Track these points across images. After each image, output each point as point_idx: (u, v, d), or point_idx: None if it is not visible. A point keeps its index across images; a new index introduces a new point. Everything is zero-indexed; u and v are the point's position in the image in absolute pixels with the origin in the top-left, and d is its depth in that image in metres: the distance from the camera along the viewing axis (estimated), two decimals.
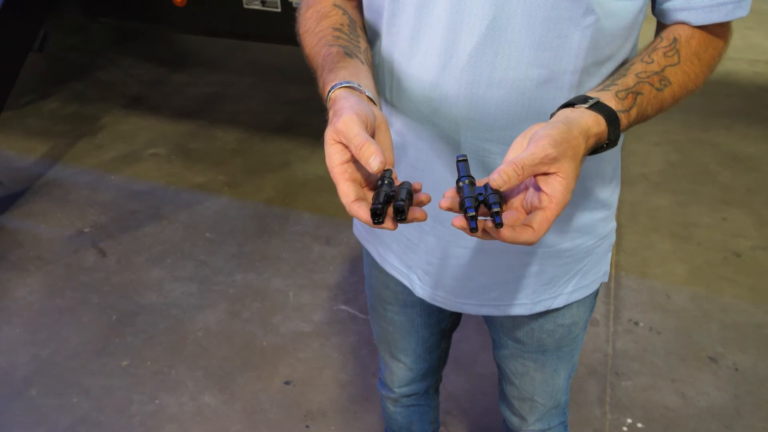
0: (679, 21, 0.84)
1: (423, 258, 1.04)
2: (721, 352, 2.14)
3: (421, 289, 1.08)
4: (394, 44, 0.88)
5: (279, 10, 2.66)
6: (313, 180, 3.04)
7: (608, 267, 1.11)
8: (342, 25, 0.88)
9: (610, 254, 1.10)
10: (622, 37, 0.84)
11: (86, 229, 2.73)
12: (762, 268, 2.49)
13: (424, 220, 0.68)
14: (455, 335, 1.37)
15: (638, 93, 0.77)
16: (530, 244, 0.67)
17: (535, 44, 0.80)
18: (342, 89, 0.75)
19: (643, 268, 2.49)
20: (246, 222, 2.76)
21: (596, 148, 0.74)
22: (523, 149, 0.68)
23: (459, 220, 0.66)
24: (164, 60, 4.27)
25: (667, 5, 0.83)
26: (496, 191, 0.66)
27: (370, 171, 0.66)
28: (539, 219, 0.66)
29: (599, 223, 1.02)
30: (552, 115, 0.74)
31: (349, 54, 0.83)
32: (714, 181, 3.03)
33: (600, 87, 0.78)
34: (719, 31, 0.84)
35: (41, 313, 2.31)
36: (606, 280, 1.11)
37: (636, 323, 2.25)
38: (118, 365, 2.12)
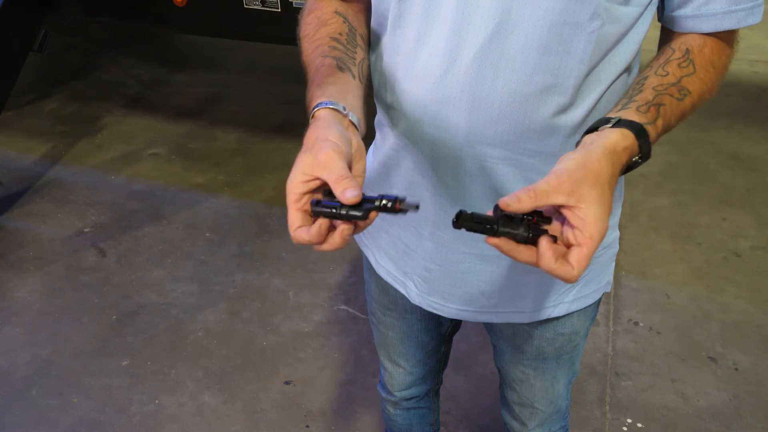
0: (689, 29, 0.82)
1: (420, 264, 1.03)
2: (721, 352, 2.14)
3: (417, 296, 1.07)
4: (398, 46, 0.88)
5: (279, 10, 2.66)
6: None
7: (611, 277, 1.09)
8: (340, 34, 0.87)
9: (612, 264, 1.08)
10: (627, 43, 0.83)
11: (86, 229, 2.73)
12: (762, 268, 2.49)
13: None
14: (455, 335, 1.37)
15: (660, 104, 0.77)
16: (569, 281, 0.66)
17: (540, 49, 0.79)
18: (327, 110, 0.75)
19: (643, 268, 2.49)
20: (246, 222, 2.76)
21: (630, 165, 0.73)
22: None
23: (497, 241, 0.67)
24: (164, 60, 4.27)
25: (677, 12, 0.82)
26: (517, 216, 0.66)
27: (344, 202, 0.66)
28: (576, 256, 0.65)
29: None
30: (577, 144, 0.74)
31: (341, 67, 0.82)
32: (714, 181, 3.02)
33: (619, 107, 0.77)
34: (729, 37, 0.84)
35: (41, 313, 2.31)
36: (608, 290, 1.09)
37: (636, 323, 2.25)
38: (118, 365, 2.12)
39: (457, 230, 0.67)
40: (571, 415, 1.39)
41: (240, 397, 2.01)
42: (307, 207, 0.70)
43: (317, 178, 0.69)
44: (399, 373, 1.32)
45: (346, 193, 0.66)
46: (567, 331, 1.09)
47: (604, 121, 0.74)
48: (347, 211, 0.67)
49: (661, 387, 2.02)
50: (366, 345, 2.17)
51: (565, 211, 0.66)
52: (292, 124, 3.50)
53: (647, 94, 0.77)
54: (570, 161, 0.67)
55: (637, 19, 0.82)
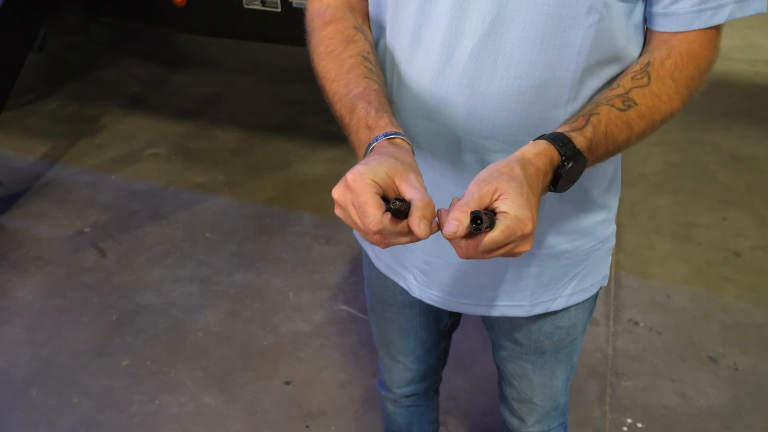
0: (660, 27, 0.83)
1: (420, 257, 1.04)
2: (721, 352, 2.14)
3: (417, 289, 1.08)
4: (396, 41, 0.88)
5: (279, 10, 2.66)
6: (313, 180, 3.04)
7: (608, 271, 1.10)
8: (369, 54, 0.86)
9: (609, 258, 1.09)
10: (626, 38, 0.83)
11: (86, 229, 2.73)
12: (762, 268, 2.49)
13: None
14: (455, 335, 1.37)
15: (592, 114, 0.77)
16: (475, 252, 0.67)
17: (538, 43, 0.80)
18: (406, 143, 0.76)
19: (643, 268, 2.49)
20: (246, 222, 2.76)
21: (558, 168, 0.74)
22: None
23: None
24: (164, 60, 4.27)
25: (650, 9, 0.83)
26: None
27: (417, 232, 0.65)
28: (482, 236, 0.67)
29: (599, 225, 1.02)
30: None
31: (388, 98, 0.83)
32: (714, 181, 3.02)
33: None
34: (701, 46, 0.82)
35: (41, 313, 2.31)
36: (605, 284, 1.10)
37: (636, 323, 2.25)
38: (118, 365, 2.12)
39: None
40: (571, 415, 1.40)
41: (240, 397, 2.01)
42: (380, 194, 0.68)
43: (393, 185, 0.68)
44: (398, 369, 1.33)
45: (422, 225, 0.65)
46: (565, 325, 1.10)
47: None
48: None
49: (661, 387, 2.02)
50: (366, 345, 2.17)
51: (494, 206, 0.69)
52: (292, 124, 3.50)
53: (584, 109, 0.79)
54: (481, 172, 0.70)
55: (636, 14, 0.82)
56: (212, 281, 2.45)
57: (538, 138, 0.76)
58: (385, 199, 0.67)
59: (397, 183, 0.67)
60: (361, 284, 2.40)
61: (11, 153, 3.26)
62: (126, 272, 2.49)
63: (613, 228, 1.06)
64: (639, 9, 0.83)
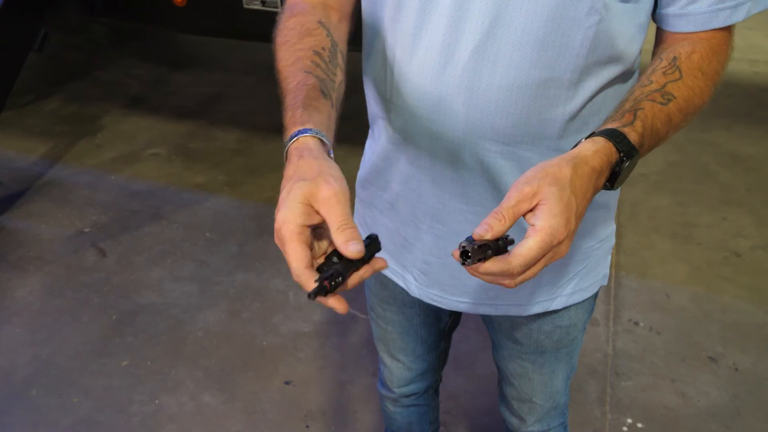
0: (676, 28, 0.83)
1: (419, 257, 1.04)
2: (721, 352, 2.14)
3: (417, 288, 1.08)
4: (396, 40, 0.88)
5: (279, 10, 2.66)
6: None
7: (608, 270, 1.10)
8: (323, 49, 0.82)
9: (609, 257, 1.10)
10: (625, 39, 0.83)
11: (86, 229, 2.73)
12: (762, 268, 2.49)
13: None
14: (455, 335, 1.37)
15: (637, 109, 0.76)
16: (508, 274, 0.65)
17: (538, 43, 0.80)
18: (317, 140, 0.70)
19: (643, 268, 2.49)
20: (246, 222, 2.76)
21: (615, 166, 0.73)
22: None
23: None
24: (164, 60, 4.27)
25: (665, 10, 0.83)
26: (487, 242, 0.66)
27: (345, 253, 0.63)
28: (517, 249, 0.65)
29: (598, 225, 1.02)
30: None
31: (324, 93, 0.77)
32: (714, 181, 3.02)
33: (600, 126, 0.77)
34: (721, 41, 0.83)
35: (41, 313, 2.31)
36: (605, 283, 1.11)
37: (636, 323, 2.25)
38: (118, 365, 2.12)
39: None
40: (571, 415, 1.40)
41: (240, 397, 2.01)
42: (309, 242, 0.65)
43: (318, 213, 0.64)
44: (398, 368, 1.33)
45: (350, 246, 0.62)
46: (565, 324, 1.10)
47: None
48: (345, 271, 0.64)
49: (661, 387, 2.02)
50: (366, 345, 2.17)
51: (527, 217, 0.66)
52: None
53: (625, 106, 0.77)
54: (528, 171, 0.68)
55: (640, 16, 0.82)
56: (212, 281, 2.45)
57: (594, 135, 0.73)
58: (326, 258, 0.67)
59: (315, 207, 0.63)
60: (361, 284, 2.39)
61: (11, 153, 3.26)
62: (126, 272, 2.49)
63: (612, 227, 1.07)
64: (643, 9, 0.82)
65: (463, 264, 0.66)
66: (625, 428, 1.90)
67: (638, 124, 0.74)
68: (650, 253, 2.57)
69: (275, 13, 3.17)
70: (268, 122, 3.52)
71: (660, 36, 0.87)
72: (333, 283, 0.64)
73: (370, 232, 0.68)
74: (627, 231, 2.68)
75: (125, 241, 2.65)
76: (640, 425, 1.91)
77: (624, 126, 0.73)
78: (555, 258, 0.68)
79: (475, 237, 0.64)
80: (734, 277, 2.45)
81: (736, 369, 2.08)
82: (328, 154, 0.70)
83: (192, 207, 2.86)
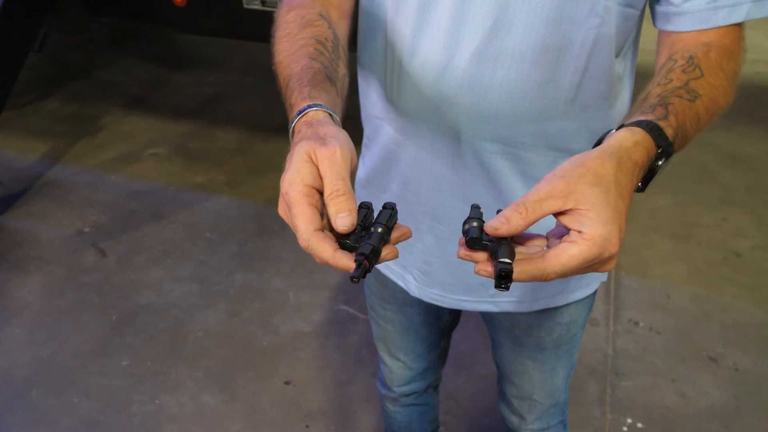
0: (674, 27, 0.81)
1: (420, 257, 1.04)
2: (721, 352, 2.14)
3: (417, 288, 1.08)
4: (396, 41, 0.88)
5: None
6: None
7: None
8: (326, 39, 0.78)
9: None
10: (623, 39, 0.84)
11: (86, 229, 2.73)
12: (762, 268, 2.49)
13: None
14: (455, 336, 1.37)
15: (668, 104, 0.67)
16: (540, 279, 0.56)
17: (538, 45, 0.80)
18: (326, 114, 0.65)
19: (643, 268, 2.49)
20: (246, 222, 2.76)
21: (653, 164, 0.65)
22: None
23: (480, 266, 0.58)
24: (164, 60, 4.27)
25: (663, 9, 0.82)
26: (501, 240, 0.56)
27: (334, 227, 0.56)
28: (558, 251, 0.55)
29: None
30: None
31: (330, 78, 0.72)
32: (714, 181, 3.02)
33: (620, 123, 0.68)
34: (733, 42, 0.81)
35: (41, 313, 2.31)
36: (605, 280, 1.11)
37: (636, 323, 2.25)
38: (118, 365, 2.11)
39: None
40: (571, 415, 1.40)
41: (240, 397, 2.01)
42: (318, 205, 0.58)
43: (316, 165, 0.58)
44: (398, 367, 1.33)
45: (338, 220, 0.55)
46: (565, 321, 1.10)
47: (606, 133, 0.66)
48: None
49: (661, 387, 2.02)
50: (366, 345, 2.17)
51: (564, 219, 0.56)
52: None
53: (652, 100, 0.69)
54: (564, 163, 0.58)
55: (638, 17, 0.82)
56: (212, 281, 2.45)
57: (630, 124, 0.63)
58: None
59: (321, 170, 0.58)
60: (361, 284, 2.40)
61: (11, 153, 3.26)
62: (126, 272, 2.49)
63: None
64: (642, 10, 0.82)
65: (500, 288, 0.55)
66: (625, 428, 1.90)
67: (672, 119, 0.66)
68: (650, 253, 2.57)
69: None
70: (268, 122, 3.52)
71: (663, 39, 0.85)
72: (373, 261, 0.55)
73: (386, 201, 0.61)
74: (627, 231, 2.66)
75: (125, 241, 2.65)
76: (640, 425, 1.91)
77: (659, 119, 0.64)
78: (598, 270, 0.58)
79: (488, 231, 0.55)
80: (734, 277, 2.45)
81: (736, 369, 2.08)
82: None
83: (192, 207, 2.86)
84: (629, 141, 0.61)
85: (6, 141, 3.36)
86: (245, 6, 2.71)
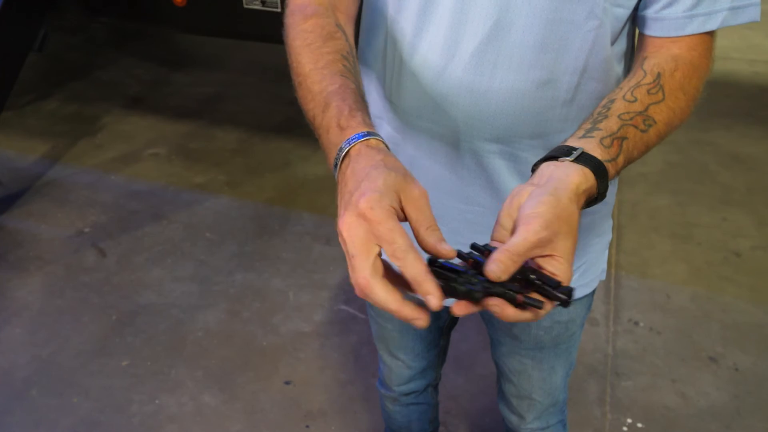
0: (652, 32, 0.82)
1: None
2: (721, 352, 2.14)
3: None
4: (397, 40, 0.88)
5: (279, 10, 2.66)
6: (313, 180, 3.04)
7: (605, 265, 1.11)
8: (348, 54, 0.79)
9: (606, 252, 1.10)
10: (623, 43, 0.85)
11: (86, 229, 2.73)
12: (762, 268, 2.49)
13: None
14: (455, 335, 1.37)
15: (623, 138, 0.73)
16: (532, 319, 0.64)
17: (538, 46, 0.80)
18: (386, 147, 0.68)
19: (643, 268, 2.49)
20: (246, 222, 2.76)
21: (588, 204, 0.70)
22: (512, 219, 0.64)
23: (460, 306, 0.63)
24: (164, 60, 4.27)
25: (643, 12, 0.83)
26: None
27: (436, 254, 0.61)
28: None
29: (597, 221, 1.03)
30: (533, 169, 0.70)
31: (363, 99, 0.74)
32: (714, 181, 3.02)
33: (582, 132, 0.73)
34: (702, 55, 0.82)
35: (41, 313, 2.31)
36: (604, 278, 1.11)
37: (636, 323, 2.25)
38: (118, 365, 2.12)
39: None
40: (571, 415, 1.40)
41: (240, 397, 2.01)
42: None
43: (400, 204, 0.61)
44: (398, 366, 1.33)
45: (443, 246, 0.60)
46: (564, 320, 1.10)
47: (564, 152, 0.69)
48: (485, 287, 0.61)
49: (661, 387, 2.02)
50: (366, 345, 2.17)
51: (540, 261, 0.64)
52: (292, 124, 3.50)
53: (612, 123, 0.73)
54: (541, 207, 0.63)
55: (626, 18, 0.83)
56: (212, 281, 2.45)
57: (584, 161, 0.69)
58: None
59: (403, 203, 0.61)
60: None
61: (11, 153, 3.26)
62: (126, 272, 2.49)
63: (610, 222, 1.07)
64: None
65: (564, 305, 0.63)
66: (625, 428, 1.90)
67: (621, 159, 0.72)
68: (650, 253, 2.57)
69: (275, 13, 3.16)
70: (268, 122, 3.53)
71: (640, 40, 0.86)
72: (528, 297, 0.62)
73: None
74: (627, 231, 2.68)
75: (125, 241, 2.65)
76: (640, 425, 1.91)
77: (610, 160, 0.71)
78: None
79: (491, 277, 0.61)
80: (734, 277, 2.45)
81: (736, 369, 2.08)
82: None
83: (192, 207, 2.86)
84: (581, 188, 0.67)
85: (6, 141, 3.36)
86: (245, 6, 2.71)
